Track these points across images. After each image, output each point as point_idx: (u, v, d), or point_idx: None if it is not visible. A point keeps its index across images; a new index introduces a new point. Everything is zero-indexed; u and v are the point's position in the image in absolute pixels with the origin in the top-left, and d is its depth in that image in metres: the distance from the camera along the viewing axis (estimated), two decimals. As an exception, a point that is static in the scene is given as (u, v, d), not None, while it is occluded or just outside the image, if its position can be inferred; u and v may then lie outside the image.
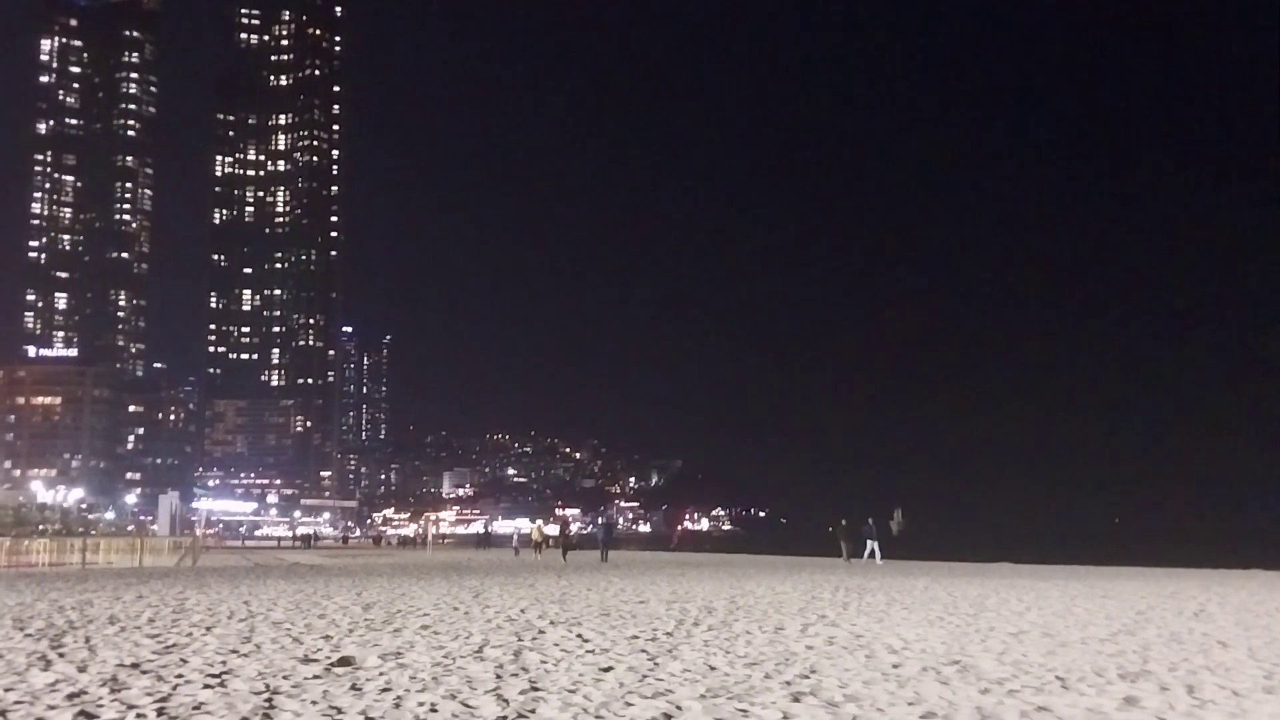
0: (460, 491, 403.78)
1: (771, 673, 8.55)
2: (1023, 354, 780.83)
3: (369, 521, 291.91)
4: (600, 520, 65.17)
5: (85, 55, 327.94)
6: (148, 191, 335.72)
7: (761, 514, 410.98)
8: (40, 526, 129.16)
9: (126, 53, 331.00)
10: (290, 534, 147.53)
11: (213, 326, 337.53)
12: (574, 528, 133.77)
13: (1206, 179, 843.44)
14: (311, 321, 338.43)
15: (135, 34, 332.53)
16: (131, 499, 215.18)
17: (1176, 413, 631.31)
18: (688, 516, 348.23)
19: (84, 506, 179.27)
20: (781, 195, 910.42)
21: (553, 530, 70.54)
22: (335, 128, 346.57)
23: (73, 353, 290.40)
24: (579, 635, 11.36)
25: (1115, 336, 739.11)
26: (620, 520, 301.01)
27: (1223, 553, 48.92)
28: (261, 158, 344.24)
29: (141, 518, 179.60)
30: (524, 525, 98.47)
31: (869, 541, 37.99)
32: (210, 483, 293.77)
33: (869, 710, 6.93)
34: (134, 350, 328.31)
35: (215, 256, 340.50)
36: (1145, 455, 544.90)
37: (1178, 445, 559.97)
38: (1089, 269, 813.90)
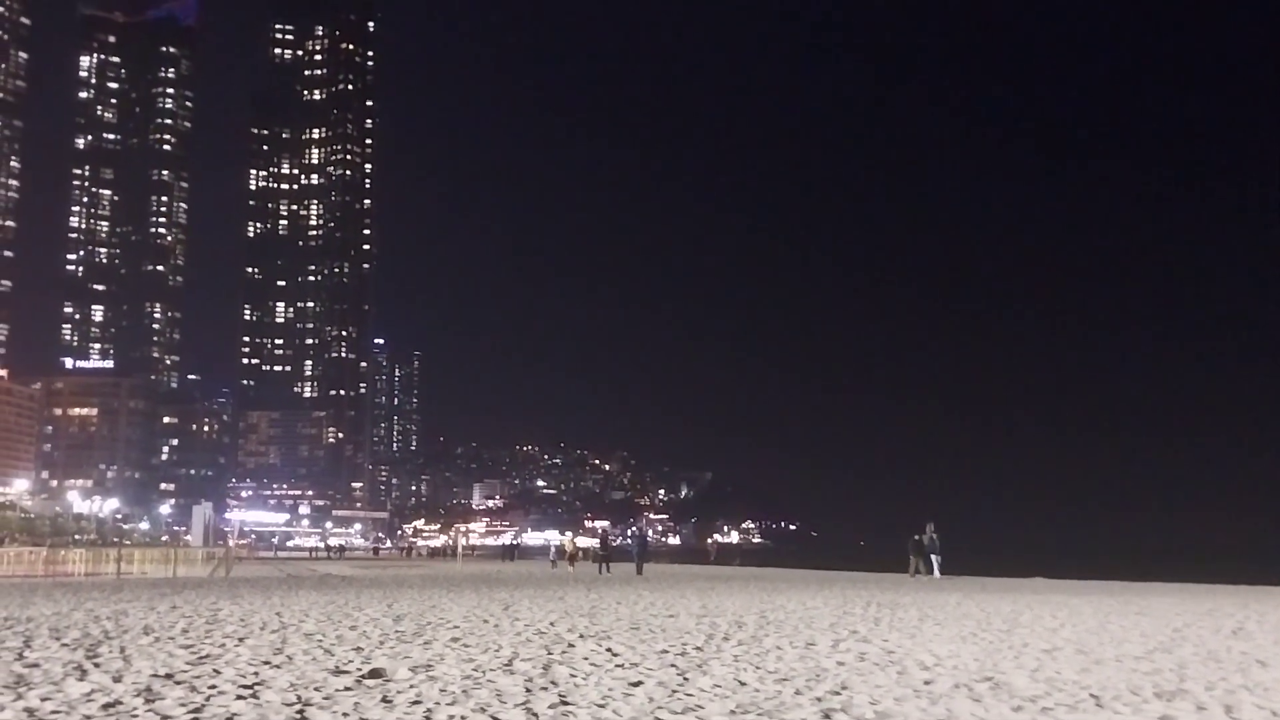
0: (490, 503, 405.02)
1: (802, 688, 8.50)
2: (1058, 369, 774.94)
3: (400, 533, 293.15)
4: (634, 533, 65.12)
5: (123, 71, 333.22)
6: (183, 205, 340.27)
7: (792, 527, 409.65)
8: (76, 536, 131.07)
9: (163, 68, 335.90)
10: (322, 545, 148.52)
11: (246, 339, 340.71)
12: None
13: (1233, 194, 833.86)
14: (344, 334, 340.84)
15: (172, 50, 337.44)
16: (166, 509, 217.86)
17: (1214, 428, 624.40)
18: (718, 530, 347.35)
19: (119, 517, 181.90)
20: (814, 212, 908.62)
21: (585, 543, 70.63)
22: (368, 141, 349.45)
23: (109, 364, 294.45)
24: (608, 649, 11.34)
25: (1155, 352, 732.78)
26: (650, 533, 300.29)
27: (1261, 569, 48.19)
28: (295, 171, 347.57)
29: (175, 528, 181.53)
30: (555, 538, 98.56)
31: (932, 556, 37.46)
32: (243, 493, 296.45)
33: (900, 727, 6.87)
34: (169, 362, 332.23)
35: (249, 269, 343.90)
36: (1184, 470, 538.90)
37: (1215, 460, 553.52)
38: (1126, 284, 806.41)
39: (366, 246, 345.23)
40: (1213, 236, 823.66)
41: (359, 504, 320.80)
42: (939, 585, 31.59)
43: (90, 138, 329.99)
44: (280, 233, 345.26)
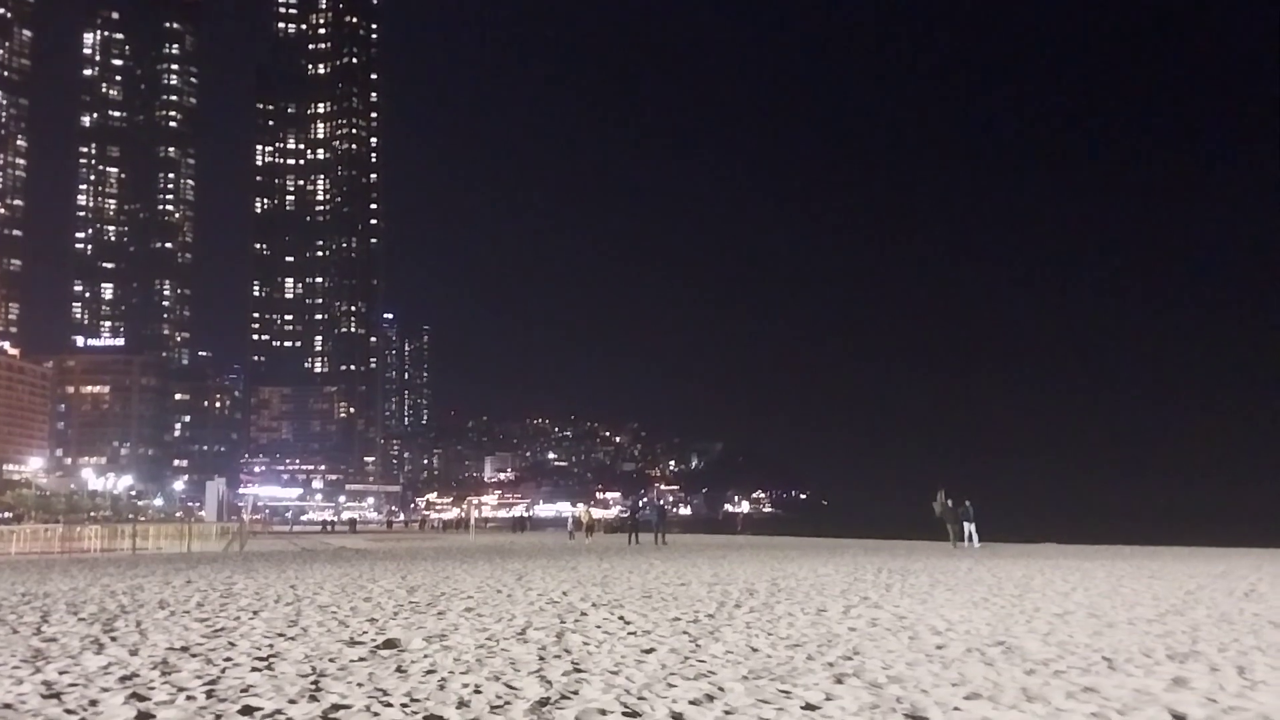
0: (502, 476, 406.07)
1: (814, 654, 8.52)
2: (1068, 334, 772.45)
3: (413, 506, 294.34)
4: (654, 505, 65.63)
5: (127, 48, 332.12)
6: (190, 182, 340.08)
7: (802, 496, 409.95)
8: (92, 513, 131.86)
9: (167, 44, 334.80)
10: (335, 518, 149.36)
11: (256, 315, 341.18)
12: (616, 511, 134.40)
13: (1247, 167, 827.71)
14: (353, 309, 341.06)
15: (175, 25, 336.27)
16: (179, 485, 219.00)
17: (1227, 391, 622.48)
18: (729, 500, 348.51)
19: (133, 493, 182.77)
20: (820, 180, 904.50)
21: (599, 513, 71.20)
22: (374, 115, 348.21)
23: (120, 342, 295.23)
24: (621, 617, 11.38)
25: (1169, 314, 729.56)
26: (661, 503, 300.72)
27: (1274, 532, 48.15)
28: (301, 146, 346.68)
29: (189, 504, 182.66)
30: (567, 509, 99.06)
31: (965, 524, 37.31)
32: (256, 469, 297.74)
33: (913, 691, 6.88)
34: (179, 339, 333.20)
35: (257, 245, 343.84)
36: (1194, 433, 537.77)
37: (1228, 423, 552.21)
38: (1137, 247, 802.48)
39: (374, 221, 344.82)
40: (1223, 202, 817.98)
41: (371, 478, 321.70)
42: (949, 552, 31.68)
43: (96, 115, 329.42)
44: (287, 208, 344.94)
